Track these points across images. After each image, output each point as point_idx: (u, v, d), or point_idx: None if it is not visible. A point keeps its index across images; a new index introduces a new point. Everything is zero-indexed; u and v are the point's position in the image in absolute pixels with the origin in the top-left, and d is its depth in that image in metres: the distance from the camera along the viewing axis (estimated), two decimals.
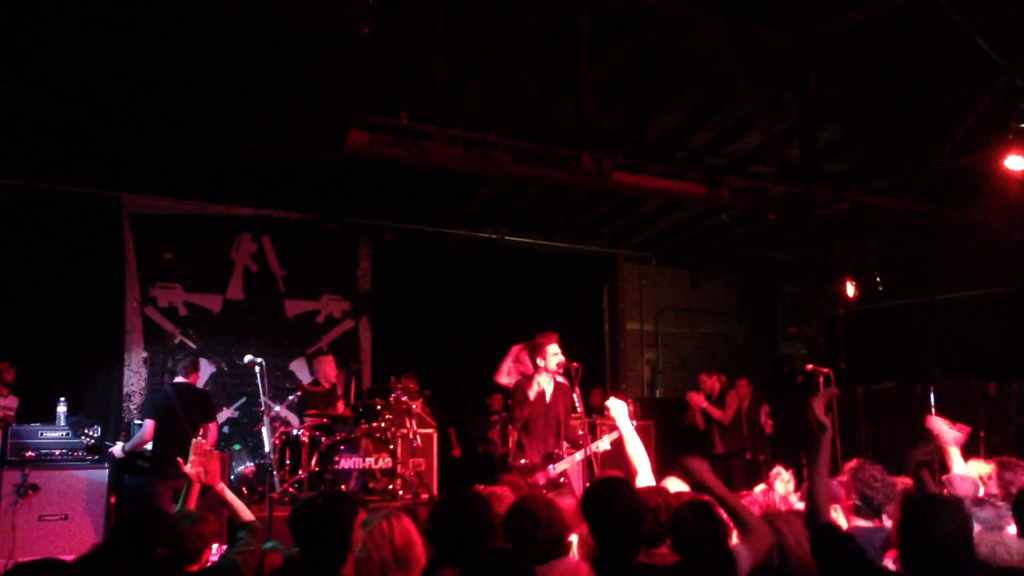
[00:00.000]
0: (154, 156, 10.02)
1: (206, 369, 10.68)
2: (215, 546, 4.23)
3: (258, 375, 6.16)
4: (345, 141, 6.66)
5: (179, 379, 7.80)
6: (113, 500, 7.94)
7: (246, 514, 4.37)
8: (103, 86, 5.10)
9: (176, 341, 10.80)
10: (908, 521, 3.00)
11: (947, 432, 5.64)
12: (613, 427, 5.89)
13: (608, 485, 3.60)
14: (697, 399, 10.50)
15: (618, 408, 5.58)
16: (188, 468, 4.58)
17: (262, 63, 5.04)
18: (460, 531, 3.32)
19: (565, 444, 6.74)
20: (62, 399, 8.30)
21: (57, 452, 7.81)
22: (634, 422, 5.73)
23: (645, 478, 5.10)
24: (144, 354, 10.61)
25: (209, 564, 4.00)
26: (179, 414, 7.37)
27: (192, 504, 4.56)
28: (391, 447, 8.85)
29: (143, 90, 5.18)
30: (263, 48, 4.93)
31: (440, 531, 3.38)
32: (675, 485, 4.61)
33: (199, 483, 4.59)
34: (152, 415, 7.45)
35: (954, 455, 5.59)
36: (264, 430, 6.22)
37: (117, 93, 5.18)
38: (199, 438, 4.92)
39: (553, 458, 6.48)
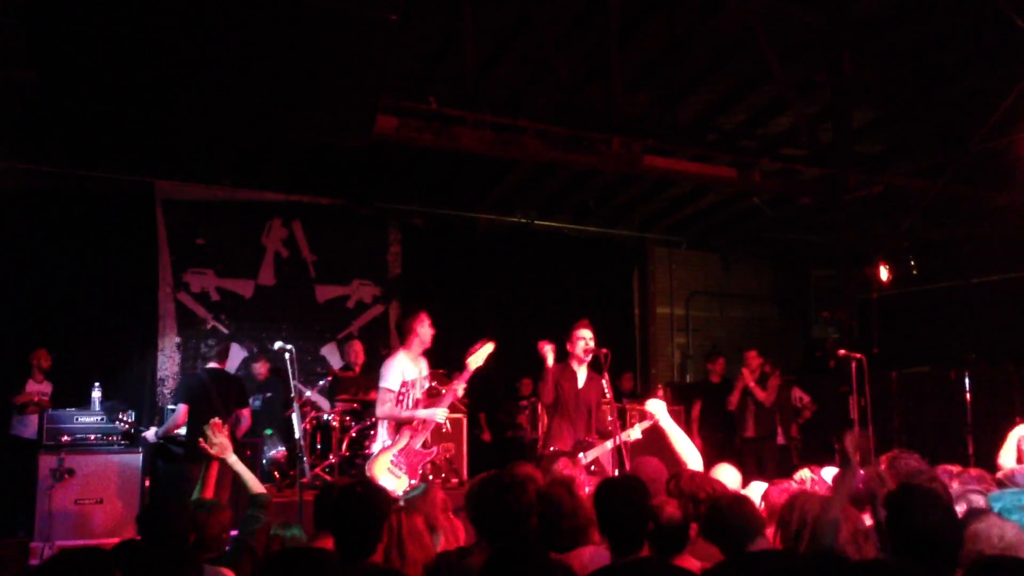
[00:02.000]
0: (186, 143, 10.08)
1: (238, 354, 10.76)
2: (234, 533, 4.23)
3: (288, 361, 6.18)
4: (373, 127, 6.65)
5: (212, 364, 7.89)
6: (147, 484, 8.03)
7: (256, 487, 4.38)
8: (133, 74, 5.12)
9: (208, 326, 10.90)
10: (894, 511, 3.11)
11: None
12: (643, 413, 5.86)
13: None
14: (746, 375, 10.26)
15: (657, 407, 5.55)
16: (206, 445, 4.55)
17: (290, 50, 5.03)
18: (499, 512, 3.36)
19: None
20: (96, 384, 8.35)
21: (92, 437, 7.89)
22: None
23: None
24: (177, 339, 10.72)
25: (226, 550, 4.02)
26: (213, 399, 7.43)
27: (210, 491, 4.55)
28: None
29: (172, 78, 5.19)
30: (291, 34, 4.92)
31: (480, 512, 3.43)
32: (723, 474, 4.59)
33: (216, 464, 4.58)
34: (186, 399, 7.52)
35: (1011, 443, 5.58)
36: (294, 415, 6.23)
37: (145, 81, 5.20)
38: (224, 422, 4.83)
39: (583, 446, 6.43)
